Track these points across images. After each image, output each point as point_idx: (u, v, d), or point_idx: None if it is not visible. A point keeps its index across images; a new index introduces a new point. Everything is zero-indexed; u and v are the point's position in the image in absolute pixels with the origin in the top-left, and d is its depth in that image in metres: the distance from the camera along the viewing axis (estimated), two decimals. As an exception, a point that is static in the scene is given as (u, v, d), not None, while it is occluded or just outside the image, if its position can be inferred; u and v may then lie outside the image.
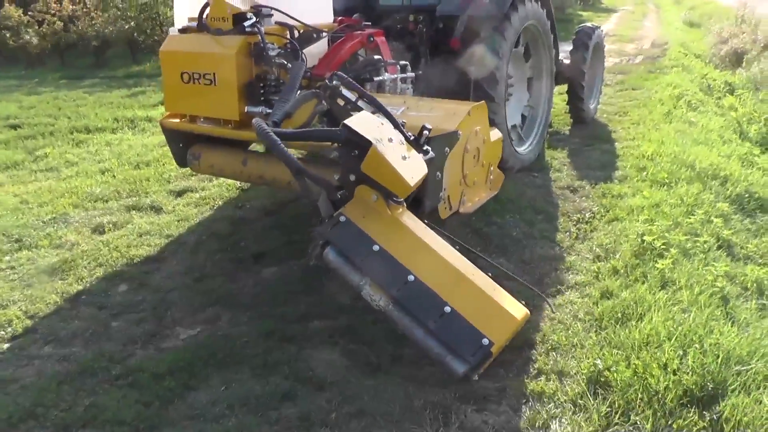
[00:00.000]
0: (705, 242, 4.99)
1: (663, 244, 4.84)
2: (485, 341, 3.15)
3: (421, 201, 3.86)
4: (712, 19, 20.22)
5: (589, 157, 7.39)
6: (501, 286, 3.51)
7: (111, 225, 5.75)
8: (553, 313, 4.18)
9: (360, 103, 3.78)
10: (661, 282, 4.40)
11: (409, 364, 3.67)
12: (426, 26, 6.49)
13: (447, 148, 3.96)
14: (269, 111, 4.22)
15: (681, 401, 3.23)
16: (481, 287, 3.35)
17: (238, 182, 6.44)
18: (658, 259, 4.67)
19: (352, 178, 3.51)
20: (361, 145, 3.36)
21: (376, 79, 4.86)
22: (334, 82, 3.78)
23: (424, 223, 3.65)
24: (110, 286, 4.72)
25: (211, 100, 4.57)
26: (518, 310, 3.36)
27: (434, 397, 3.39)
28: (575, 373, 3.57)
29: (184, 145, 5.25)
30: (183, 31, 4.83)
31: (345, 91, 3.78)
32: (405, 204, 3.61)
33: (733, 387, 3.30)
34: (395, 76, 5.04)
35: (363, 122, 3.45)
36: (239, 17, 4.48)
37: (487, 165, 4.59)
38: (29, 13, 15.56)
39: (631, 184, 6.40)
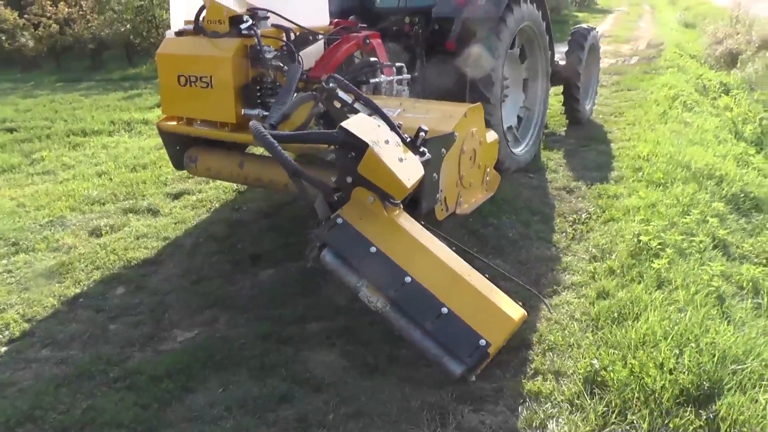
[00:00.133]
0: (701, 242, 5.01)
1: (659, 244, 4.85)
2: (482, 342, 3.16)
3: (417, 202, 3.87)
4: (707, 19, 20.30)
5: (585, 158, 7.41)
6: (498, 286, 3.52)
7: (108, 228, 5.75)
8: (550, 313, 4.20)
9: (356, 105, 3.79)
10: (657, 282, 4.42)
11: (407, 365, 3.68)
12: (422, 28, 6.50)
13: (443, 150, 3.97)
14: (266, 114, 4.23)
15: (677, 400, 3.24)
16: (477, 288, 3.36)
17: (235, 185, 6.45)
18: (654, 259, 4.68)
19: (349, 180, 3.52)
20: (357, 147, 3.37)
21: (372, 81, 4.88)
22: (331, 85, 3.79)
23: (421, 224, 3.66)
24: (108, 289, 4.72)
25: (208, 102, 4.58)
26: (515, 311, 3.37)
27: (431, 397, 3.39)
28: (572, 373, 3.58)
29: (181, 147, 5.26)
30: (179, 33, 4.84)
31: (341, 94, 3.80)
32: (402, 206, 3.62)
33: (729, 386, 3.31)
34: (391, 78, 5.06)
35: (359, 124, 3.46)
36: (235, 20, 4.49)
37: (483, 166, 4.61)
38: (25, 15, 15.55)
39: (626, 184, 6.43)
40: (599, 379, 3.47)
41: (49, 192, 6.75)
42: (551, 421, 3.24)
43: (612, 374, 3.45)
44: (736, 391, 3.28)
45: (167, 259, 5.17)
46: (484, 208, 5.32)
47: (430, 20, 6.40)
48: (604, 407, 3.28)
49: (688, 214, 5.49)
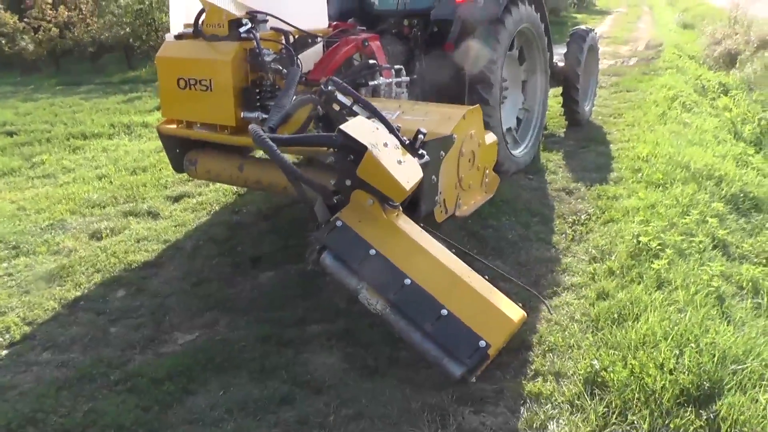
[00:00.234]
0: (700, 242, 5.02)
1: (658, 244, 4.86)
2: (482, 343, 3.17)
3: (417, 205, 3.88)
4: (705, 20, 20.31)
5: (585, 159, 7.42)
6: (498, 288, 3.54)
7: (108, 231, 5.76)
8: (550, 314, 4.20)
9: (355, 107, 3.79)
10: (656, 282, 4.42)
11: (407, 366, 3.68)
12: (420, 30, 6.52)
13: (442, 152, 3.99)
14: (265, 116, 4.24)
15: (678, 401, 3.24)
16: (477, 290, 3.37)
17: (235, 187, 6.45)
18: (653, 259, 4.69)
19: (348, 182, 3.53)
20: (356, 150, 3.39)
21: (371, 83, 4.88)
22: (329, 87, 3.79)
23: (420, 226, 3.67)
24: (108, 291, 4.72)
25: (208, 105, 4.59)
26: (515, 312, 3.38)
27: (432, 399, 3.40)
28: (572, 374, 3.59)
29: (181, 150, 5.27)
30: (179, 37, 4.85)
31: (340, 96, 3.80)
32: (401, 208, 3.63)
33: (729, 386, 3.31)
34: (390, 80, 5.07)
35: (358, 127, 3.47)
36: (235, 23, 4.50)
37: (482, 168, 4.62)
38: (25, 19, 15.56)
39: (626, 185, 6.43)
40: (599, 379, 3.48)
41: (50, 195, 6.76)
42: (552, 422, 3.25)
43: (612, 375, 3.45)
44: (736, 391, 3.29)
45: (167, 261, 5.18)
46: (483, 210, 5.32)
47: (429, 22, 6.41)
48: (604, 408, 3.28)
49: (688, 215, 5.50)
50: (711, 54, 15.28)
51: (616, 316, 4.08)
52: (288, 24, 4.84)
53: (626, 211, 5.67)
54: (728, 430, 3.06)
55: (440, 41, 6.19)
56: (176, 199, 6.54)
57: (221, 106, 4.51)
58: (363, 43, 5.27)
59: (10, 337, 4.17)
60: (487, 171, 4.73)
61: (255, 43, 4.41)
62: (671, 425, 3.11)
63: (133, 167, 7.61)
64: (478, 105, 4.55)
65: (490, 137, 4.77)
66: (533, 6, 6.67)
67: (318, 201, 3.62)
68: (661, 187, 6.19)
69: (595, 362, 3.58)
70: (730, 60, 14.47)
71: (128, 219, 6.05)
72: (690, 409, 3.19)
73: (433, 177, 3.96)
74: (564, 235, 5.48)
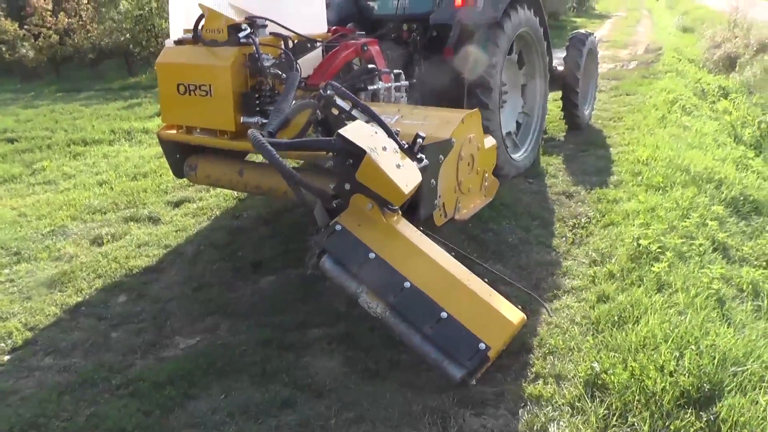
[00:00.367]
0: (700, 245, 5.03)
1: (658, 247, 4.87)
2: (482, 346, 3.17)
3: (416, 208, 3.89)
4: (705, 23, 20.36)
5: (585, 163, 7.43)
6: (498, 291, 3.54)
7: (109, 236, 5.77)
8: (550, 317, 4.21)
9: (354, 112, 3.80)
10: (657, 285, 4.43)
11: (407, 369, 3.69)
12: (420, 35, 6.54)
13: (441, 156, 4.00)
14: (265, 121, 4.25)
15: (678, 402, 3.25)
16: (477, 292, 3.37)
17: (235, 192, 6.47)
18: (653, 262, 4.70)
19: (347, 186, 3.54)
20: (355, 154, 3.40)
21: (370, 88, 4.90)
22: (329, 92, 3.81)
23: (420, 230, 3.68)
24: (109, 297, 4.74)
25: (207, 111, 4.60)
26: (515, 315, 3.38)
27: (433, 402, 3.40)
28: (572, 377, 3.59)
29: (181, 156, 5.28)
30: (179, 42, 4.86)
31: (339, 101, 3.81)
32: (400, 212, 3.64)
33: (729, 388, 3.32)
34: (389, 84, 5.08)
35: (357, 131, 3.48)
36: (234, 28, 4.50)
37: (481, 172, 4.63)
38: (25, 26, 15.61)
39: (626, 188, 6.44)
40: (600, 382, 3.49)
41: (51, 201, 6.78)
42: (552, 425, 3.25)
43: (612, 377, 3.46)
44: (736, 392, 3.30)
45: (168, 266, 5.19)
46: (483, 214, 5.33)
47: (428, 27, 6.43)
48: (604, 410, 3.29)
49: (688, 218, 5.51)
50: (711, 57, 15.31)
51: (616, 318, 4.08)
52: (287, 29, 4.85)
53: (626, 215, 5.68)
54: (728, 431, 3.06)
55: (439, 46, 6.21)
56: (177, 204, 6.56)
57: (221, 111, 4.52)
58: (362, 47, 5.28)
59: (12, 342, 4.18)
60: (487, 175, 4.73)
61: (254, 48, 4.41)
62: (671, 427, 3.12)
63: (133, 173, 7.63)
64: (476, 109, 4.56)
65: (489, 141, 4.78)
66: (532, 10, 6.69)
67: (317, 205, 3.63)
68: (661, 191, 6.20)
69: (595, 365, 3.59)
70: (729, 63, 14.49)
71: (129, 224, 6.06)
72: (690, 410, 3.20)
73: (432, 181, 3.96)
74: (564, 239, 5.49)
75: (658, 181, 6.36)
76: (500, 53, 6.10)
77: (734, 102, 11.05)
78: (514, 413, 3.35)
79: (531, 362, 3.77)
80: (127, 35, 15.55)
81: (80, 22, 16.06)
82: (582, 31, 9.13)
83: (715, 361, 3.45)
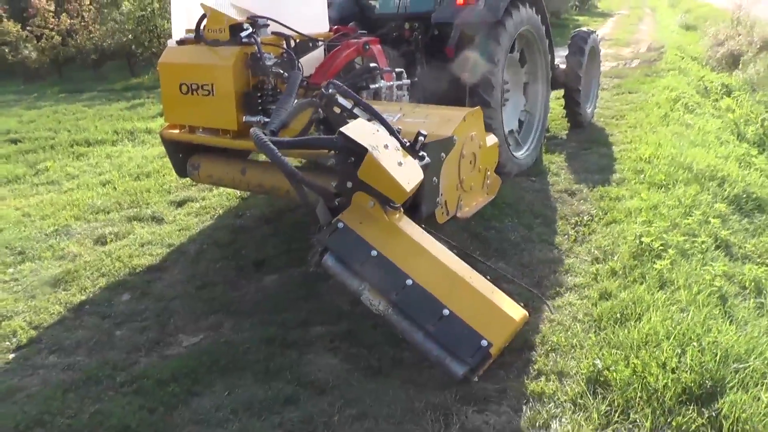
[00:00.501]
0: (703, 242, 5.02)
1: (661, 245, 4.87)
2: (484, 343, 3.18)
3: (418, 206, 3.89)
4: (707, 21, 20.31)
5: (587, 161, 7.43)
6: (500, 289, 3.54)
7: (113, 236, 5.79)
8: (553, 314, 4.21)
9: (356, 110, 3.81)
10: (659, 282, 4.44)
11: (410, 367, 3.70)
12: (421, 33, 6.56)
13: (443, 154, 4.00)
14: (267, 120, 4.26)
15: (680, 399, 3.26)
16: (479, 290, 3.38)
17: (238, 191, 6.48)
18: (656, 259, 4.70)
19: (349, 184, 3.55)
20: (357, 152, 3.40)
21: (372, 86, 4.91)
22: (330, 91, 3.81)
23: (422, 227, 3.69)
24: (113, 295, 4.76)
25: (210, 110, 4.62)
26: (516, 312, 3.39)
27: (435, 398, 3.42)
28: (575, 374, 3.60)
29: (184, 155, 5.30)
30: (181, 42, 4.88)
31: (341, 99, 3.82)
32: (402, 209, 3.64)
33: (731, 384, 3.32)
34: (391, 83, 5.09)
35: (359, 129, 3.49)
36: (236, 28, 4.52)
37: (483, 170, 4.63)
38: (27, 27, 15.64)
39: (628, 186, 6.44)
40: (602, 378, 3.49)
41: (54, 202, 6.80)
42: (554, 421, 3.26)
43: (615, 374, 3.47)
44: (738, 389, 3.30)
45: (172, 265, 5.21)
46: (486, 212, 5.35)
47: (430, 25, 6.45)
48: (606, 407, 3.30)
49: (690, 215, 5.51)
50: (713, 55, 15.27)
51: (618, 315, 4.09)
52: (289, 28, 4.87)
53: (629, 212, 5.68)
54: (730, 427, 3.07)
55: (441, 44, 6.22)
56: (180, 203, 6.58)
57: (223, 110, 4.54)
58: (364, 46, 5.30)
59: (16, 340, 4.21)
60: (489, 173, 4.74)
61: (256, 47, 4.43)
62: (673, 423, 3.12)
63: (136, 173, 7.66)
64: (478, 107, 4.56)
65: (491, 139, 4.79)
66: (534, 8, 6.69)
67: (320, 203, 3.64)
68: (663, 188, 6.20)
69: (597, 361, 3.60)
70: (732, 61, 14.45)
71: (132, 224, 6.08)
72: (692, 407, 3.20)
73: (434, 178, 3.97)
74: (567, 237, 5.50)
75: (660, 178, 6.36)
76: (502, 52, 6.11)
77: (737, 100, 11.02)
78: (516, 410, 3.36)
79: (533, 359, 3.78)
80: (130, 36, 15.56)
81: (82, 23, 16.09)
82: (584, 29, 9.13)
83: (717, 357, 3.45)
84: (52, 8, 15.75)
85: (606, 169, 7.09)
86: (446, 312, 3.25)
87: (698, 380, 3.32)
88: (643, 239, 4.96)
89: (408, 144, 3.66)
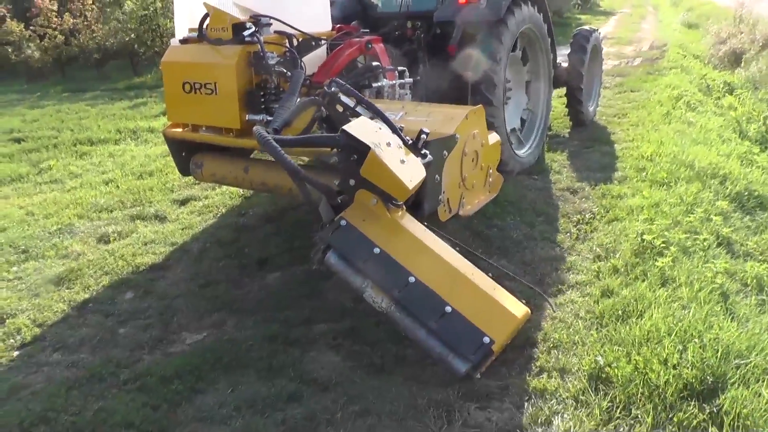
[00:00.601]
0: (704, 240, 5.03)
1: (663, 242, 4.88)
2: (486, 339, 3.19)
3: (420, 204, 3.91)
4: (710, 19, 20.27)
5: (589, 159, 7.44)
6: (502, 286, 3.56)
7: (116, 234, 5.81)
8: (555, 312, 4.23)
9: (358, 108, 3.82)
10: (661, 279, 4.45)
11: (413, 364, 3.72)
12: (424, 32, 6.57)
13: (445, 152, 4.02)
14: (270, 119, 4.28)
15: (681, 395, 3.27)
16: (481, 287, 3.40)
17: (241, 190, 6.51)
18: (657, 257, 4.72)
19: (352, 182, 3.56)
20: (359, 150, 3.42)
21: (374, 85, 4.92)
22: (333, 89, 3.83)
23: (424, 225, 3.70)
24: (116, 293, 4.78)
25: (213, 109, 4.64)
26: (518, 309, 3.41)
27: (438, 395, 3.43)
28: (577, 370, 3.61)
29: (187, 154, 5.32)
30: (184, 41, 4.89)
31: (343, 98, 3.83)
32: (404, 207, 3.66)
33: (732, 380, 3.34)
34: (393, 82, 5.10)
35: (361, 127, 3.50)
36: (239, 27, 4.54)
37: (485, 168, 4.65)
38: (30, 27, 15.67)
39: (630, 184, 6.45)
40: (604, 375, 3.51)
41: (57, 200, 6.82)
42: (556, 417, 3.28)
43: (616, 370, 3.48)
44: (739, 385, 3.31)
45: (175, 264, 5.23)
46: (488, 210, 5.36)
47: (432, 24, 6.46)
48: (608, 403, 3.32)
49: (692, 213, 5.51)
50: (716, 53, 15.24)
51: (620, 313, 4.10)
52: (292, 27, 4.88)
53: (630, 210, 5.69)
54: (731, 423, 3.08)
55: (443, 43, 6.24)
56: (183, 202, 6.60)
57: (226, 109, 4.56)
58: (366, 45, 5.31)
59: (21, 338, 4.23)
60: (491, 170, 4.75)
61: (259, 46, 4.45)
62: (675, 419, 3.14)
63: (139, 172, 7.68)
64: (480, 105, 4.57)
65: (494, 137, 4.80)
66: (536, 7, 6.70)
67: (322, 201, 3.65)
68: (665, 186, 6.21)
69: (599, 358, 3.61)
70: (735, 59, 14.42)
71: (135, 222, 6.11)
72: (693, 403, 3.22)
73: (437, 176, 3.99)
74: (569, 234, 5.51)
75: (662, 176, 6.37)
76: (504, 50, 6.12)
77: (739, 98, 11.01)
78: (518, 406, 3.38)
79: (535, 356, 3.79)
80: (132, 35, 15.59)
81: (85, 23, 16.12)
82: (586, 27, 9.12)
83: (719, 354, 3.47)
84: (55, 8, 15.79)
85: (608, 167, 7.10)
86: (448, 309, 3.27)
87: (699, 376, 3.33)
88: (644, 237, 4.97)
89: (410, 142, 3.67)
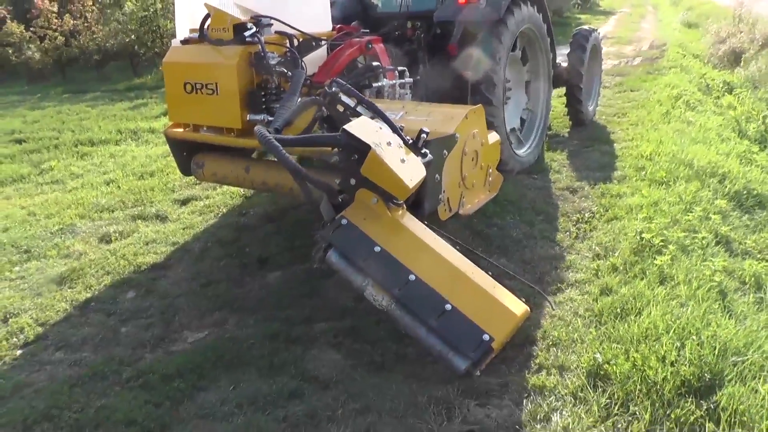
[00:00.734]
0: (703, 238, 5.05)
1: (661, 241, 4.90)
2: (486, 337, 3.22)
3: (420, 203, 3.93)
4: (709, 19, 20.28)
5: (588, 159, 7.46)
6: (502, 285, 3.58)
7: (117, 234, 5.84)
8: (554, 310, 4.25)
9: (359, 108, 3.85)
10: (659, 278, 4.47)
11: (413, 362, 3.74)
12: (423, 32, 6.59)
13: (445, 151, 4.04)
14: (271, 118, 4.30)
15: (679, 391, 3.29)
16: (480, 285, 3.42)
17: (242, 190, 6.53)
18: (656, 255, 4.74)
19: (353, 181, 3.59)
20: (360, 149, 3.44)
21: (375, 85, 4.94)
22: (334, 89, 3.85)
23: (425, 224, 3.72)
24: (118, 293, 4.81)
25: (214, 109, 4.66)
26: (518, 307, 3.43)
27: (438, 392, 3.45)
28: (575, 367, 3.64)
29: (188, 154, 5.34)
30: (185, 42, 4.92)
31: (344, 98, 3.85)
32: (405, 206, 3.68)
33: (729, 377, 3.36)
34: (394, 81, 5.13)
35: (362, 127, 3.53)
36: (239, 27, 4.56)
37: (485, 167, 4.67)
38: (31, 28, 15.71)
39: (629, 183, 6.47)
40: (602, 372, 3.53)
41: (59, 201, 6.86)
42: (555, 414, 3.30)
43: (615, 367, 3.50)
44: (736, 382, 3.33)
45: (176, 263, 5.26)
46: (488, 209, 5.38)
47: (432, 24, 6.48)
48: (606, 399, 3.34)
49: (691, 212, 5.53)
50: (715, 53, 15.26)
51: (619, 310, 4.13)
52: (292, 27, 4.91)
53: (630, 209, 5.72)
54: (728, 419, 3.10)
55: (443, 43, 6.26)
56: (184, 202, 6.63)
57: (227, 109, 4.58)
58: (366, 45, 5.34)
59: (24, 337, 4.26)
60: (491, 170, 4.77)
61: (260, 46, 4.47)
62: (672, 415, 3.16)
63: (140, 172, 7.71)
64: (480, 105, 4.60)
65: (493, 136, 4.82)
66: (535, 7, 6.73)
67: (323, 200, 3.67)
68: (664, 185, 6.23)
69: (597, 355, 3.64)
70: (734, 58, 14.44)
71: (137, 222, 6.13)
72: (691, 399, 3.24)
73: (437, 176, 4.01)
74: (568, 233, 5.53)
75: (661, 175, 6.39)
76: (503, 50, 6.15)
77: (739, 97, 11.03)
78: (517, 403, 3.40)
79: (535, 354, 3.82)
80: (132, 36, 15.62)
81: (85, 24, 16.16)
82: (586, 27, 9.15)
83: (716, 351, 3.49)
84: (55, 9, 15.82)
85: (607, 166, 7.13)
86: (448, 307, 3.29)
87: (697, 373, 3.35)
88: (643, 235, 4.99)
89: (410, 141, 3.70)
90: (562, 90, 8.67)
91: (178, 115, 5.09)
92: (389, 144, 3.50)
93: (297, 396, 3.48)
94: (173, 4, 5.46)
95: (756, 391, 3.26)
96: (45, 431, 3.33)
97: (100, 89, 14.34)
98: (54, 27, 15.67)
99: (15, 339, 4.24)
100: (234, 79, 4.50)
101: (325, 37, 5.30)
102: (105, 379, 3.74)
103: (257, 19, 4.71)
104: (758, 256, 5.08)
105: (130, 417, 3.35)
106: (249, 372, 3.72)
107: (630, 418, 3.21)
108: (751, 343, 3.64)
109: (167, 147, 5.65)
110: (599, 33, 9.18)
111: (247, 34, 4.52)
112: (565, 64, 8.37)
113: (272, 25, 4.84)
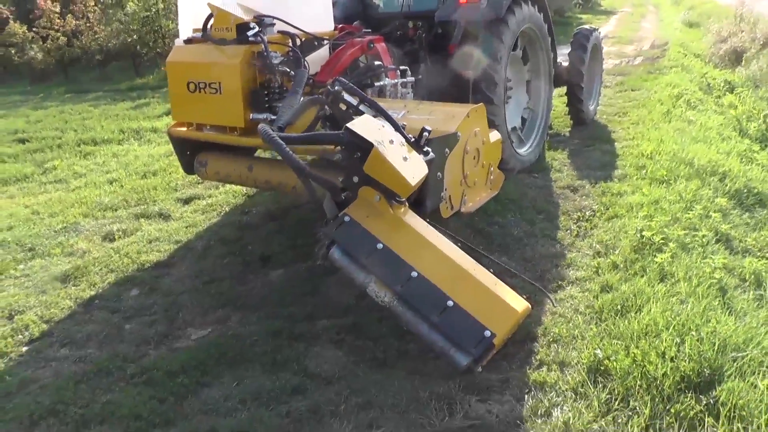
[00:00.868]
0: (703, 236, 5.07)
1: (662, 238, 4.93)
2: (487, 333, 3.23)
3: (423, 201, 3.96)
4: (711, 18, 20.29)
5: (589, 158, 7.48)
6: (504, 282, 3.60)
7: (121, 232, 5.88)
8: (555, 307, 4.28)
9: (361, 107, 3.87)
10: (659, 275, 4.50)
11: (415, 358, 3.77)
12: (425, 31, 6.61)
13: (447, 149, 4.07)
14: (273, 117, 4.33)
15: (678, 387, 3.32)
16: (482, 282, 3.44)
17: (244, 188, 6.57)
18: (656, 253, 4.76)
19: (356, 179, 3.61)
20: (363, 147, 3.47)
21: (376, 84, 4.97)
22: (336, 88, 3.87)
23: (427, 222, 3.75)
24: (122, 290, 4.84)
25: (217, 108, 4.69)
26: (519, 304, 3.45)
27: (439, 388, 3.48)
28: (576, 363, 3.67)
29: (191, 152, 5.37)
30: (188, 41, 4.95)
31: (347, 96, 3.88)
32: (407, 204, 3.71)
33: (729, 373, 3.38)
34: (395, 81, 5.16)
35: (364, 125, 3.55)
36: (242, 27, 4.59)
37: (487, 165, 4.70)
38: (33, 29, 15.76)
39: (630, 182, 6.50)
40: (602, 368, 3.56)
41: (62, 199, 6.89)
42: (556, 409, 3.33)
43: (615, 363, 3.53)
44: (736, 377, 3.35)
45: (179, 261, 5.29)
46: (489, 207, 5.41)
47: (433, 24, 6.50)
48: (607, 395, 3.36)
49: (691, 210, 5.56)
50: (716, 52, 15.27)
51: (619, 307, 4.15)
52: (295, 27, 4.94)
53: (630, 207, 5.74)
54: (727, 414, 3.12)
55: (444, 42, 6.28)
56: (186, 201, 6.66)
57: (230, 108, 4.61)
58: (368, 45, 5.37)
59: (29, 334, 4.30)
60: (492, 168, 4.80)
61: (263, 46, 4.50)
62: (672, 410, 3.19)
63: (143, 171, 7.74)
64: (481, 104, 4.62)
65: (495, 135, 4.85)
66: (536, 6, 6.75)
67: (326, 197, 3.70)
68: (665, 184, 6.25)
69: (598, 351, 3.66)
70: (735, 58, 14.45)
71: (140, 221, 6.17)
72: (690, 394, 3.26)
73: (439, 174, 4.04)
74: (569, 231, 5.56)
75: (662, 174, 6.41)
76: (504, 49, 6.17)
77: (740, 96, 11.05)
78: (518, 399, 3.43)
79: (535, 350, 3.85)
80: (134, 36, 15.67)
81: (88, 24, 16.21)
82: (587, 26, 9.16)
83: (716, 347, 3.51)
84: (58, 9, 15.87)
85: (608, 165, 7.15)
86: (450, 303, 3.31)
87: (697, 369, 3.38)
88: (644, 233, 5.01)
89: (413, 140, 3.72)
90: (563, 89, 8.70)
91: (181, 114, 5.12)
92: (392, 142, 3.52)
93: (300, 392, 3.52)
94: (176, 4, 5.51)
95: (755, 387, 3.28)
96: (50, 426, 3.37)
97: (102, 89, 14.39)
98: (56, 27, 15.73)
99: (20, 336, 4.27)
100: (237, 79, 4.53)
101: (327, 37, 5.33)
102: (110, 375, 3.77)
103: (260, 19, 4.74)
104: (758, 253, 5.11)
105: (135, 412, 3.39)
106: (252, 368, 3.75)
107: (630, 413, 3.23)
108: (751, 339, 3.66)
109: (170, 146, 5.68)
110: (600, 32, 9.21)
111: (249, 33, 4.55)
112: (566, 64, 8.39)
113: (275, 24, 4.87)
